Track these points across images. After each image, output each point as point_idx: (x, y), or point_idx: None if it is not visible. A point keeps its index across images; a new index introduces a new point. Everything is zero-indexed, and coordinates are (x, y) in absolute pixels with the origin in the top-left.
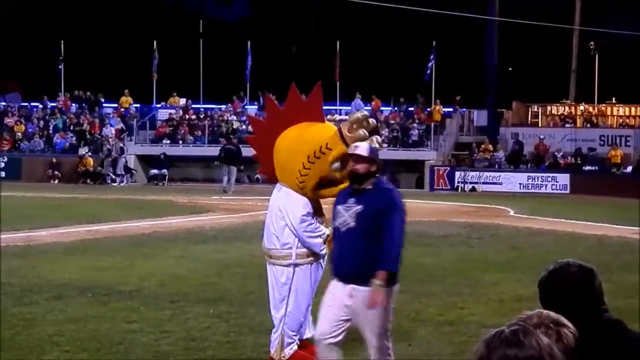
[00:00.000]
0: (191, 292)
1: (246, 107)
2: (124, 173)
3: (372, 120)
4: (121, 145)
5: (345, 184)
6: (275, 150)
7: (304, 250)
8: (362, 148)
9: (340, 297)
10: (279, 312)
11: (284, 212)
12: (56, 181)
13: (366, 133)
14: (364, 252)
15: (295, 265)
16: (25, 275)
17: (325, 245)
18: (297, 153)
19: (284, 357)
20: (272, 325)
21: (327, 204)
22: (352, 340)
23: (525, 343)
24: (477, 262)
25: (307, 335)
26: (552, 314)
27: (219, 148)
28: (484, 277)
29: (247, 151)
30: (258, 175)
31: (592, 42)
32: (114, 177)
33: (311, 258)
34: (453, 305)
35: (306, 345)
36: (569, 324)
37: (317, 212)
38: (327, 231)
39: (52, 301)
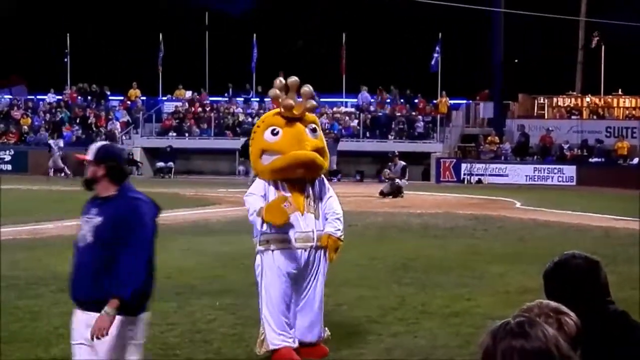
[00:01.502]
0: (197, 284)
1: (252, 99)
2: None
3: (290, 80)
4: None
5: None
6: None
7: (264, 237)
8: (90, 150)
9: (80, 329)
10: (263, 299)
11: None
12: (62, 174)
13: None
14: (102, 274)
15: (260, 252)
16: (31, 267)
17: (258, 218)
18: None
19: (264, 350)
20: None
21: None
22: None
23: (532, 334)
24: (483, 254)
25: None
26: (552, 303)
27: (241, 144)
28: (490, 269)
29: None
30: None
31: (597, 32)
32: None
33: (271, 245)
34: (459, 296)
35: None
36: (570, 312)
37: (280, 199)
38: (259, 204)
39: (58, 293)
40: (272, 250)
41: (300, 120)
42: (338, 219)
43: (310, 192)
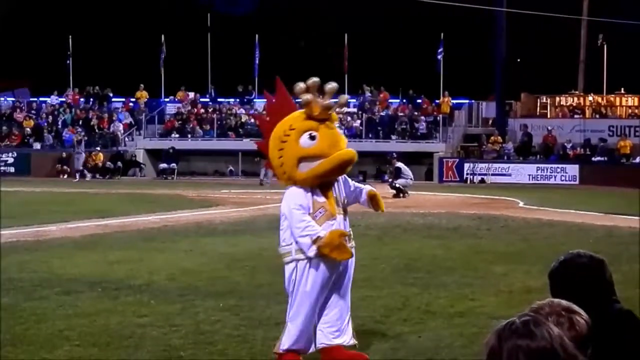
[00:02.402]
0: (201, 285)
1: (254, 100)
2: (81, 168)
3: (312, 80)
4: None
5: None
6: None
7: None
8: None
9: None
10: (290, 309)
11: (283, 207)
12: (65, 176)
13: (324, 98)
14: None
15: (296, 260)
16: (36, 270)
17: (314, 246)
18: (273, 147)
19: (280, 350)
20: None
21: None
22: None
23: (537, 333)
24: (487, 254)
25: (339, 341)
26: (564, 302)
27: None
28: (494, 269)
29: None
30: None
31: (601, 35)
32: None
33: (310, 255)
34: (463, 296)
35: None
36: (581, 311)
37: (317, 207)
38: (320, 232)
39: (62, 296)
40: (311, 259)
41: (329, 120)
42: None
43: (337, 192)
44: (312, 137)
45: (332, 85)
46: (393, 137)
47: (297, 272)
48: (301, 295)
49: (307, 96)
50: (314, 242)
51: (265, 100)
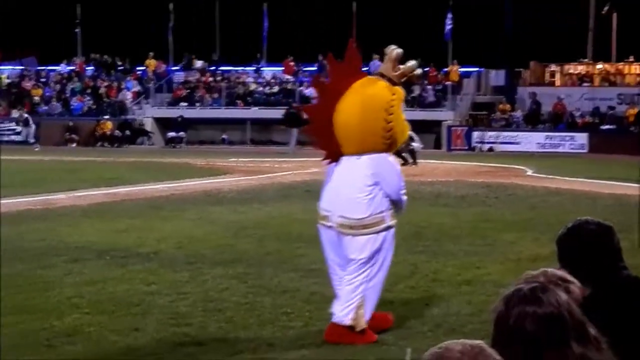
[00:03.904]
0: (208, 253)
1: (262, 69)
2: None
3: (400, 51)
4: (26, 116)
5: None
6: (342, 124)
7: (391, 212)
8: None
9: None
10: (357, 279)
11: (379, 177)
12: (74, 145)
13: (408, 66)
14: None
15: (389, 228)
16: (44, 238)
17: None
18: (374, 114)
19: (367, 319)
20: (332, 295)
21: None
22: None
23: (544, 300)
24: (495, 222)
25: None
26: (557, 271)
27: (283, 112)
28: (502, 237)
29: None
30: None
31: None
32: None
33: (395, 220)
34: (471, 264)
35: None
36: (575, 280)
37: None
38: None
39: (71, 264)
40: (393, 227)
41: None
42: None
43: None
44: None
45: (398, 51)
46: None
47: (387, 240)
48: (386, 263)
49: (413, 62)
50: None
51: (326, 64)
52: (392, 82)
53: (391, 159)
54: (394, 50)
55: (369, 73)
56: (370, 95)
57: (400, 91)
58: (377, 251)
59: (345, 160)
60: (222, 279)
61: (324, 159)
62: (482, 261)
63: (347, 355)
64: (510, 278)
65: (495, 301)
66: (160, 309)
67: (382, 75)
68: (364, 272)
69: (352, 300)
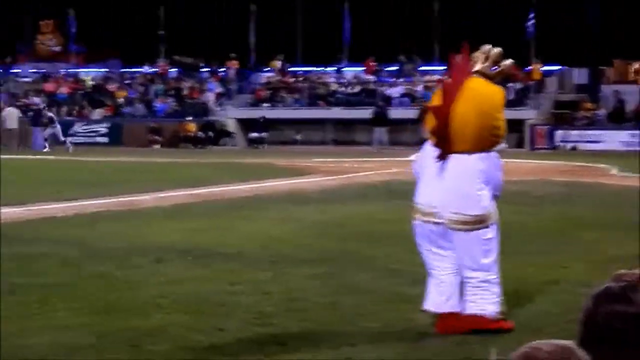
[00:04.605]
0: (291, 253)
1: (344, 69)
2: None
3: (499, 50)
4: (50, 114)
5: None
6: (459, 123)
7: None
8: None
9: None
10: (489, 271)
11: (488, 174)
12: (157, 146)
13: (506, 64)
14: None
15: (493, 223)
16: (128, 238)
17: None
18: (489, 113)
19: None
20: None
21: None
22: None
23: (634, 299)
24: (579, 221)
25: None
26: None
27: (370, 111)
28: (586, 236)
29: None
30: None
31: None
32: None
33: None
34: (555, 264)
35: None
36: None
37: None
38: None
39: (154, 264)
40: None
41: None
42: None
43: None
44: None
45: (498, 50)
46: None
47: (496, 234)
48: (497, 257)
49: (510, 61)
50: None
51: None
52: (492, 81)
53: (497, 156)
54: (493, 49)
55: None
56: (486, 94)
57: (503, 90)
58: (492, 243)
59: (454, 158)
60: (305, 279)
61: (437, 157)
62: (567, 260)
63: (431, 355)
64: (595, 278)
65: (584, 300)
66: (244, 309)
67: (482, 74)
68: (491, 264)
69: (488, 290)
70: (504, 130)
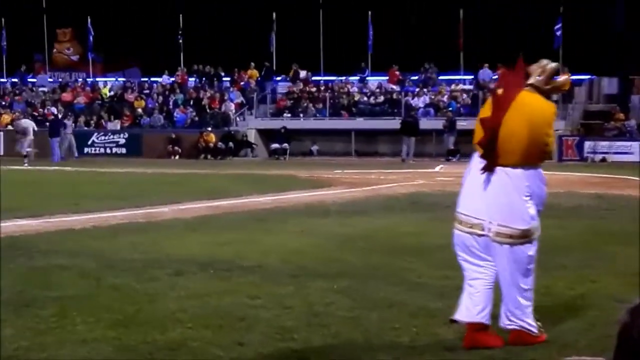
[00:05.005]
0: (313, 266)
1: (367, 78)
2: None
3: (555, 65)
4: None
5: None
6: (508, 136)
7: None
8: None
9: None
10: (527, 285)
11: (533, 189)
12: (177, 157)
13: (560, 80)
14: None
15: (536, 238)
16: (147, 251)
17: None
18: (541, 128)
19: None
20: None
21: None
22: None
23: None
24: (608, 235)
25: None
26: None
27: (400, 121)
28: (615, 250)
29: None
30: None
31: None
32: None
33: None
34: (584, 278)
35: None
36: None
37: None
38: None
39: (174, 277)
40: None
41: None
42: None
43: None
44: None
45: (554, 65)
46: None
47: (535, 251)
48: (533, 273)
49: (565, 77)
50: None
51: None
52: (544, 95)
53: (541, 171)
54: (550, 64)
55: (477, 82)
56: (537, 109)
57: (555, 106)
58: (533, 259)
59: (501, 171)
60: (327, 293)
61: (483, 169)
62: (596, 275)
63: None
64: (626, 293)
65: (619, 314)
66: (265, 323)
67: (536, 88)
68: (530, 280)
69: (525, 304)
70: (552, 145)
